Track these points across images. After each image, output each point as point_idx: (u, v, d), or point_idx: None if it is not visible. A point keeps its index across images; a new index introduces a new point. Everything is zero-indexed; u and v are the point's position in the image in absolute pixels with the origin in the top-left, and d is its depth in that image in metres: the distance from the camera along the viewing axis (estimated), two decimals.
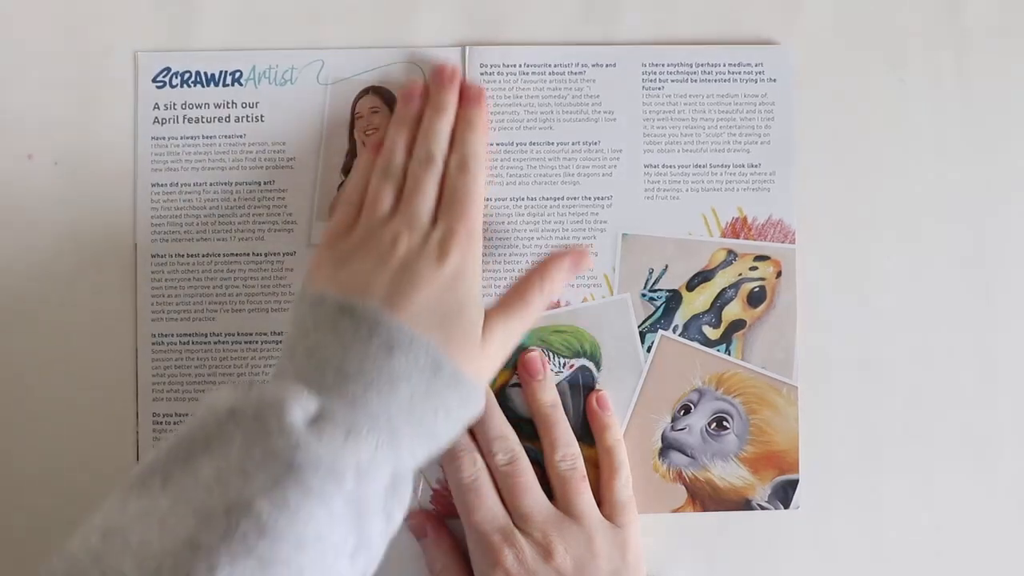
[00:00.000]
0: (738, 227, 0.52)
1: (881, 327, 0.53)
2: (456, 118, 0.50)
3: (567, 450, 0.50)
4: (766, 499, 0.52)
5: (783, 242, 0.52)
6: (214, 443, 0.38)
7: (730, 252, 0.52)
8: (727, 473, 0.52)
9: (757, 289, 0.52)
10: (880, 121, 0.53)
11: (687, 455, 0.52)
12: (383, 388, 0.40)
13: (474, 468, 0.49)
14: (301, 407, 0.39)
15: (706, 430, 0.52)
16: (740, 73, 0.53)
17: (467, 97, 0.50)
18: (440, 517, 0.51)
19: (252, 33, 0.53)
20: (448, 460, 0.49)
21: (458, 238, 0.45)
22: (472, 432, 0.50)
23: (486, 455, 0.49)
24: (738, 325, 0.52)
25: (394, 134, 0.49)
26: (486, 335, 0.44)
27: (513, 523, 0.48)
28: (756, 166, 0.52)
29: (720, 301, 0.52)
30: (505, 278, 0.52)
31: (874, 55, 0.53)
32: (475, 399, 0.44)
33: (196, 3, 0.53)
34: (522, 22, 0.53)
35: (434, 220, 0.46)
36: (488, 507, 0.48)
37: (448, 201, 0.46)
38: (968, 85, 0.54)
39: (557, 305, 0.52)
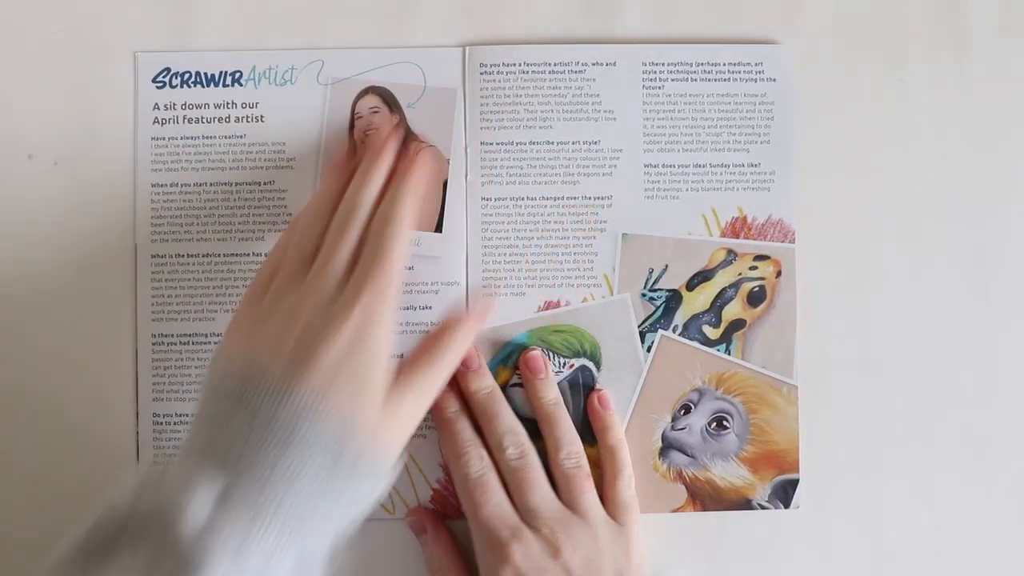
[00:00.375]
0: (738, 227, 0.52)
1: (881, 327, 0.53)
2: (392, 172, 0.48)
3: (571, 448, 0.50)
4: (766, 499, 0.52)
5: (783, 242, 0.52)
6: (113, 553, 0.37)
7: (730, 252, 0.52)
8: (727, 473, 0.52)
9: (757, 289, 0.52)
10: (880, 121, 0.53)
11: (687, 455, 0.52)
12: (282, 481, 0.38)
13: (481, 464, 0.49)
14: (200, 504, 0.37)
15: (706, 430, 0.52)
16: (740, 72, 0.53)
17: (404, 155, 0.49)
18: (439, 515, 0.51)
19: (252, 33, 0.53)
20: (453, 456, 0.49)
21: (362, 301, 0.41)
22: (477, 427, 0.50)
23: (493, 450, 0.49)
24: (738, 325, 0.52)
25: (318, 194, 0.48)
26: (396, 399, 0.42)
27: (520, 519, 0.48)
28: (756, 165, 0.52)
29: (720, 301, 0.52)
30: (505, 278, 0.52)
31: (874, 55, 0.53)
32: (383, 478, 0.41)
33: (196, 4, 0.53)
34: (522, 21, 0.53)
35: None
36: (496, 502, 0.48)
37: (363, 259, 0.43)
38: (968, 85, 0.54)
39: (557, 305, 0.52)
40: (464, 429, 0.50)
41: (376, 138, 0.50)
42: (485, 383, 0.50)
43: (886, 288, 0.53)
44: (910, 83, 0.53)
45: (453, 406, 0.50)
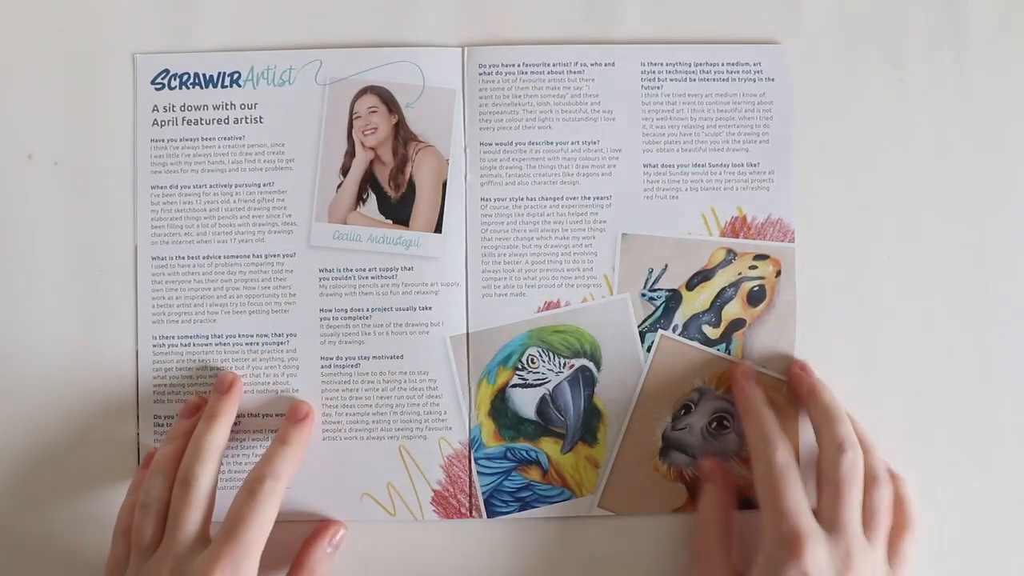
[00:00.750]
0: (737, 226, 0.52)
1: (881, 327, 0.53)
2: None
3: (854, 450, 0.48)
4: None
5: (782, 241, 0.52)
6: None
7: (729, 251, 0.52)
8: None
9: (757, 288, 0.52)
10: (880, 121, 0.53)
11: (688, 454, 0.52)
12: None
13: (788, 456, 0.48)
14: None
15: (707, 429, 0.52)
16: (739, 72, 0.53)
17: (289, 414, 0.50)
18: (728, 473, 0.52)
19: (250, 34, 0.53)
20: (759, 441, 0.49)
21: (219, 567, 0.43)
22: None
23: (827, 450, 0.48)
24: (738, 324, 0.52)
25: (157, 457, 0.48)
26: None
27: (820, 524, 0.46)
28: (755, 165, 0.52)
29: (720, 300, 0.52)
30: (505, 278, 0.52)
31: (874, 55, 0.53)
32: None
33: (194, 4, 0.53)
34: (521, 21, 0.53)
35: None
36: (801, 497, 0.47)
37: (224, 524, 0.45)
38: (968, 85, 0.54)
39: (557, 305, 0.52)
40: (773, 419, 0.49)
41: (221, 382, 0.51)
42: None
43: (886, 288, 0.53)
44: (910, 83, 0.53)
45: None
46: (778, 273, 0.52)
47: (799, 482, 0.47)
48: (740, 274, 0.52)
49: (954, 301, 0.53)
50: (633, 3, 0.53)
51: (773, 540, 0.46)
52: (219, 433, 0.48)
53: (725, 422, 0.52)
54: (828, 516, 0.47)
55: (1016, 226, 0.53)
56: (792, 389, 0.52)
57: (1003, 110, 0.54)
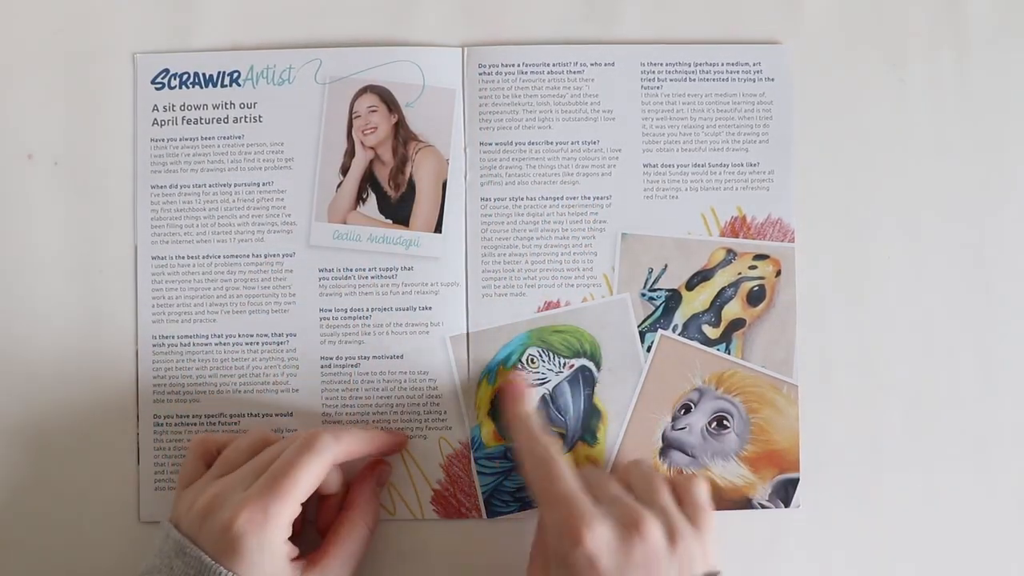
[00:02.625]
0: (737, 226, 0.52)
1: (881, 327, 0.53)
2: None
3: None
4: (767, 498, 0.52)
5: (782, 241, 0.52)
6: None
7: (729, 251, 0.52)
8: (728, 472, 0.52)
9: (756, 288, 0.52)
10: (880, 121, 0.53)
11: (688, 454, 0.52)
12: None
13: (551, 447, 0.47)
14: None
15: (707, 429, 0.52)
16: (738, 72, 0.53)
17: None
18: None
19: (250, 33, 0.53)
20: (523, 441, 0.48)
21: (248, 509, 0.43)
22: None
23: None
24: (738, 324, 0.52)
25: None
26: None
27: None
28: (755, 165, 0.52)
29: (720, 300, 0.52)
30: (505, 278, 0.52)
31: (874, 55, 0.53)
32: None
33: (194, 4, 0.53)
34: (521, 21, 0.53)
35: None
36: (570, 478, 0.46)
37: (268, 471, 0.45)
38: (968, 85, 0.53)
39: (557, 305, 0.52)
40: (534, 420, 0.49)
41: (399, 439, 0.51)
42: None
43: (886, 287, 0.53)
44: (910, 83, 0.53)
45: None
46: (778, 273, 0.52)
47: (566, 468, 0.46)
48: (740, 274, 0.52)
49: (954, 301, 0.53)
50: (633, 3, 0.53)
51: (554, 532, 0.44)
52: (363, 443, 0.48)
53: (725, 422, 0.52)
54: (596, 493, 0.45)
55: (1016, 226, 0.53)
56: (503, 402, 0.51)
57: (1003, 110, 0.54)
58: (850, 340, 0.53)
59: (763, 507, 0.52)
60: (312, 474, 0.45)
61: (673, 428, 0.52)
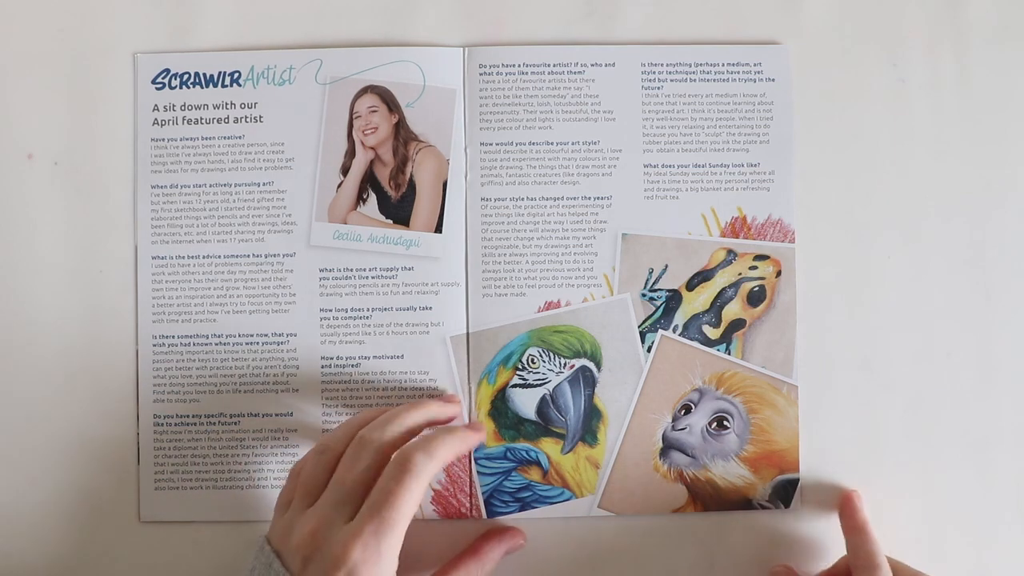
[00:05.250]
0: (737, 226, 0.52)
1: (881, 327, 0.53)
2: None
3: None
4: (767, 498, 0.52)
5: (782, 241, 0.52)
6: None
7: (730, 252, 0.52)
8: (728, 472, 0.52)
9: (757, 288, 0.52)
10: (880, 121, 0.53)
11: (688, 455, 0.52)
12: None
13: None
14: None
15: (707, 430, 0.52)
16: (739, 72, 0.53)
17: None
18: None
19: (250, 33, 0.53)
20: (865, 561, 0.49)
21: (361, 542, 0.41)
22: None
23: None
24: (738, 324, 0.52)
25: (370, 430, 0.46)
26: None
27: None
28: (755, 165, 0.52)
29: (720, 300, 0.52)
30: (505, 278, 0.52)
31: (874, 55, 0.53)
32: None
33: (194, 4, 0.53)
34: (521, 21, 0.53)
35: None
36: None
37: (370, 498, 0.43)
38: (968, 85, 0.53)
39: (558, 305, 0.52)
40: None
41: (477, 427, 0.50)
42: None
43: (886, 288, 0.53)
44: (910, 83, 0.53)
45: None
46: (778, 273, 0.52)
47: None
48: (740, 274, 0.52)
49: (954, 301, 0.53)
50: (633, 4, 0.53)
51: None
52: (454, 448, 0.46)
53: (725, 422, 0.52)
54: None
55: (1016, 226, 0.53)
56: (841, 516, 0.52)
57: (1003, 110, 0.54)
58: (850, 340, 0.53)
59: (763, 507, 0.52)
60: (415, 498, 0.43)
61: (673, 428, 0.52)
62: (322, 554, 0.41)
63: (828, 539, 0.52)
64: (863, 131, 0.53)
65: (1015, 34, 0.54)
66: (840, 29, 0.53)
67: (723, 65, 0.52)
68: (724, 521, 0.52)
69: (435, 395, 0.51)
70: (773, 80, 0.53)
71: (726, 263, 0.52)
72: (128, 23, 0.53)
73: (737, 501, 0.52)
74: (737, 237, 0.52)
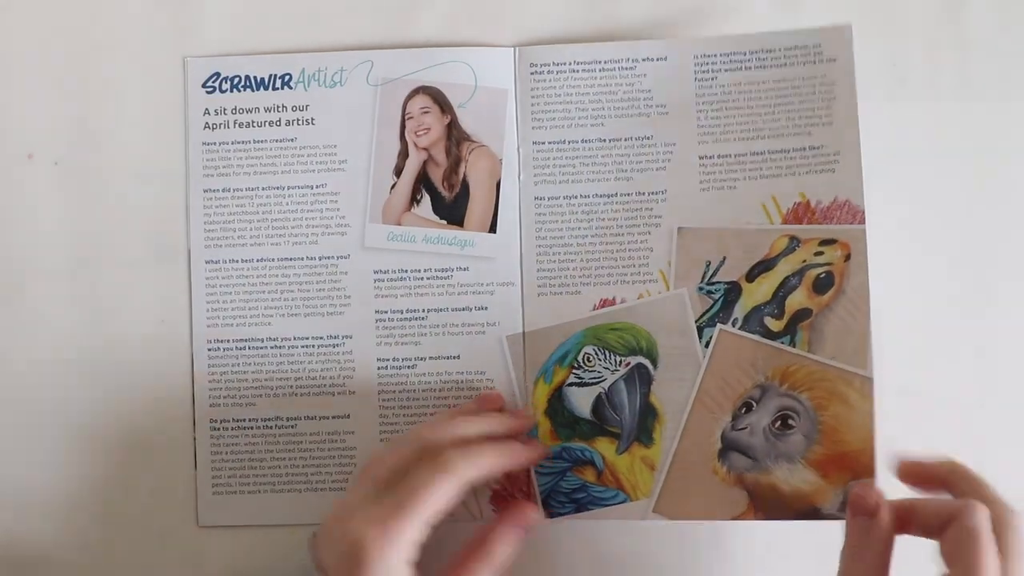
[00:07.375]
0: (800, 212, 0.51)
1: (881, 326, 0.49)
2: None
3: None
4: (838, 507, 0.49)
5: (851, 223, 0.50)
6: None
7: (793, 238, 0.51)
8: (793, 477, 0.49)
9: (824, 275, 0.50)
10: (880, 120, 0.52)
11: (749, 457, 0.50)
12: None
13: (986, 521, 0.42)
14: None
15: (769, 429, 0.50)
16: (796, 56, 0.52)
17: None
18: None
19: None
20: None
21: (372, 526, 0.42)
22: None
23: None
24: (803, 315, 0.50)
25: (440, 431, 0.46)
26: None
27: None
28: (818, 148, 0.51)
29: (783, 290, 0.51)
30: (560, 277, 0.51)
31: (874, 55, 0.52)
32: None
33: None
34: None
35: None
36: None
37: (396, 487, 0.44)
38: (968, 85, 0.53)
39: (613, 302, 0.51)
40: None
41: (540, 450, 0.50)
42: None
43: (886, 287, 0.51)
44: (910, 83, 0.53)
45: None
46: (847, 257, 0.50)
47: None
48: (805, 261, 0.51)
49: (954, 301, 0.52)
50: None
51: None
52: (496, 460, 0.46)
53: (790, 421, 0.50)
54: None
55: (1016, 226, 0.52)
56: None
57: (1003, 110, 0.53)
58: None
59: (834, 518, 0.48)
60: (442, 494, 0.43)
61: (733, 428, 0.50)
62: (341, 530, 0.42)
63: (908, 553, 0.47)
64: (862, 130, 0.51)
65: (1015, 34, 0.53)
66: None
67: (780, 50, 0.52)
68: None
69: (490, 394, 0.51)
70: (834, 60, 0.51)
71: (789, 250, 0.51)
72: (131, 23, 0.53)
73: (803, 509, 0.49)
74: (800, 223, 0.51)
